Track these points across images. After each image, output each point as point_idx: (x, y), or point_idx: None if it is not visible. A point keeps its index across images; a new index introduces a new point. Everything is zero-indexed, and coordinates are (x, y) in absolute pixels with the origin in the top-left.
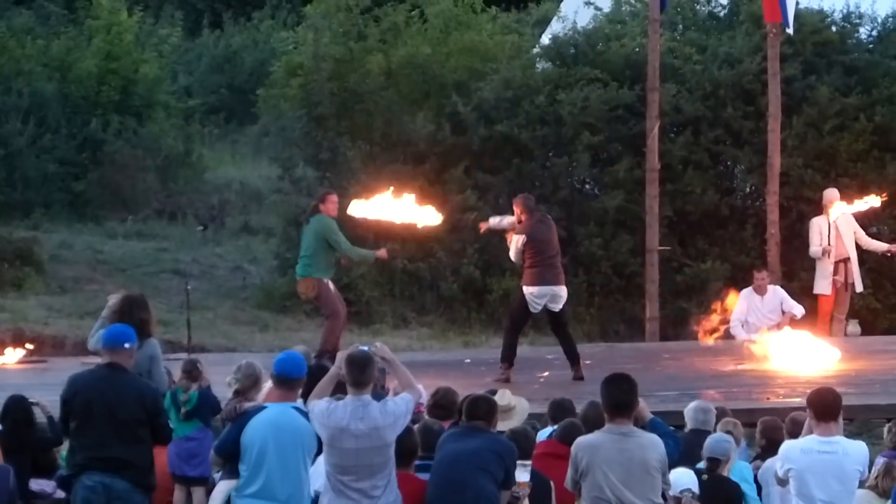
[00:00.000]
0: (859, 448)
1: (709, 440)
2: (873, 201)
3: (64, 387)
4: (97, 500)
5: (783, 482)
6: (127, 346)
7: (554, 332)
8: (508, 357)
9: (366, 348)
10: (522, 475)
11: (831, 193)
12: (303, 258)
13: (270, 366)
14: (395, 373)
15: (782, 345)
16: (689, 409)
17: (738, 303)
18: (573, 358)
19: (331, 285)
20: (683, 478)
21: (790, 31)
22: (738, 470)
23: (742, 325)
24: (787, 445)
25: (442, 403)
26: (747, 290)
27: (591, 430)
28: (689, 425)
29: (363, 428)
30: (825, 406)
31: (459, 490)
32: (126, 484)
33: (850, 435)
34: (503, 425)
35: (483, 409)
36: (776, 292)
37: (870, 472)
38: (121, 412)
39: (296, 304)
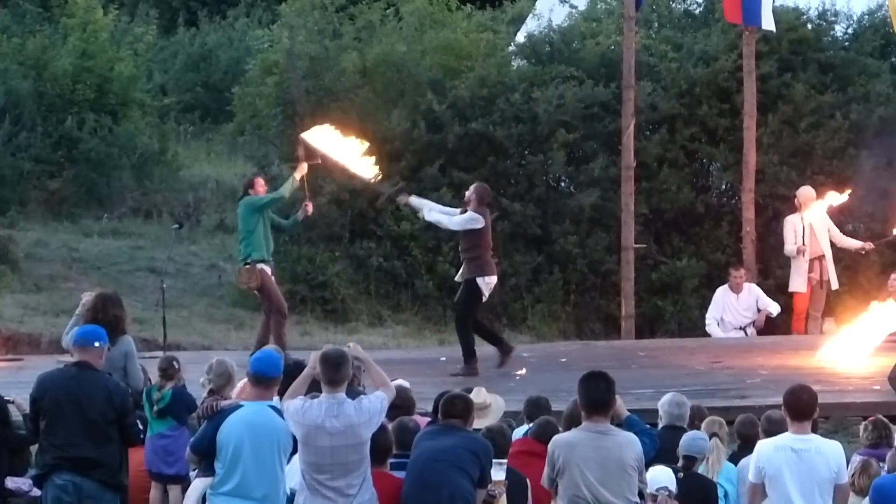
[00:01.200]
0: (833, 447)
1: (684, 438)
2: (840, 197)
3: (34, 386)
4: (68, 500)
5: (755, 490)
6: (97, 344)
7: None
8: (473, 352)
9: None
10: (498, 473)
11: (806, 191)
12: (240, 244)
13: (246, 364)
14: (368, 372)
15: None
16: (663, 403)
17: (714, 301)
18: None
19: (271, 275)
20: (661, 476)
21: (770, 28)
22: (726, 471)
23: (718, 324)
24: (762, 444)
25: (396, 403)
26: (723, 289)
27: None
28: (662, 420)
29: (338, 426)
30: (801, 405)
31: (435, 488)
32: (95, 484)
33: (825, 433)
34: (479, 423)
35: (459, 407)
36: (752, 290)
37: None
38: (90, 411)
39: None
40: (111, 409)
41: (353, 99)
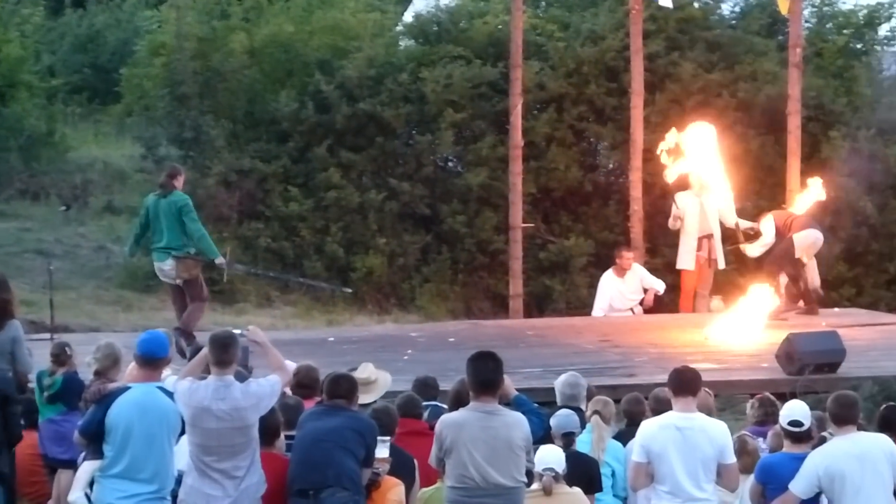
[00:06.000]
0: (717, 426)
1: (555, 419)
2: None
3: None
4: None
5: (640, 469)
6: None
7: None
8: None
9: (238, 331)
10: (382, 451)
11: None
12: (177, 236)
13: (134, 345)
14: (265, 355)
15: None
16: (558, 383)
17: (601, 289)
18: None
19: None
20: (548, 455)
21: (668, 4)
22: (611, 449)
23: (605, 315)
24: (646, 423)
25: (304, 382)
26: (608, 275)
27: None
28: (559, 400)
29: (224, 408)
30: (683, 381)
31: (321, 468)
32: None
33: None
34: (366, 397)
35: (344, 387)
36: (636, 270)
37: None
38: None
39: (159, 284)
40: None
41: (241, 80)
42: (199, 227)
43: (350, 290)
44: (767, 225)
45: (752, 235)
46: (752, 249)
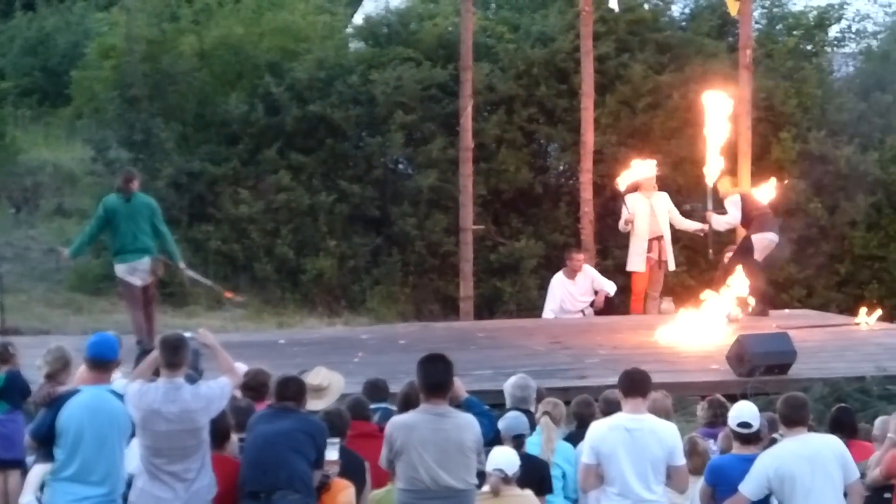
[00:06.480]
0: (667, 427)
1: (504, 422)
2: (648, 168)
3: None
4: None
5: (589, 471)
6: None
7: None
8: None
9: (189, 334)
10: (332, 453)
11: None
12: (150, 237)
13: (84, 348)
14: (215, 357)
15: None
16: (508, 386)
17: (551, 291)
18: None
19: None
20: (499, 457)
21: (615, 7)
22: (562, 451)
23: (556, 317)
24: (596, 424)
25: (252, 385)
26: (558, 277)
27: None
28: (508, 402)
29: (174, 410)
30: (633, 382)
31: (272, 471)
32: None
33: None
34: (319, 403)
35: (292, 389)
36: (586, 272)
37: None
38: None
39: (109, 287)
40: None
41: (191, 82)
42: (168, 230)
43: (242, 300)
44: (734, 203)
45: (702, 237)
46: (719, 223)
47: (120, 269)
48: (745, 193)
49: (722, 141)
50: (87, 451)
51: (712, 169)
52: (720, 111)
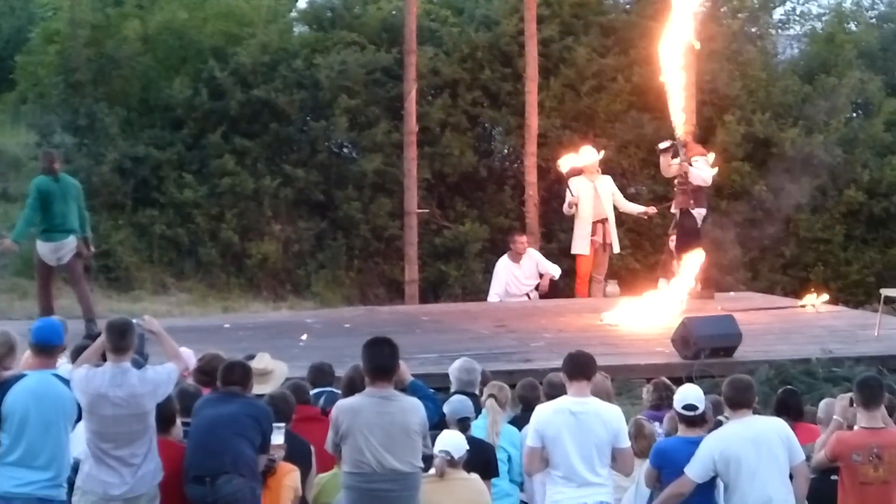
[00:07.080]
0: (611, 410)
1: (449, 406)
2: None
3: None
4: None
5: (534, 454)
6: None
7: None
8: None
9: (134, 321)
10: (277, 437)
11: (590, 154)
12: (76, 217)
13: (29, 333)
14: (161, 343)
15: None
16: (453, 369)
17: (496, 274)
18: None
19: None
20: (447, 440)
21: None
22: (507, 434)
23: (501, 300)
24: (540, 408)
25: (206, 370)
26: (503, 261)
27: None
28: (453, 386)
29: (121, 395)
30: (577, 365)
31: (217, 455)
32: None
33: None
34: (264, 388)
35: (238, 374)
36: (531, 255)
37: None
38: None
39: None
40: None
41: (135, 67)
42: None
43: None
44: (707, 163)
45: (647, 220)
46: (694, 177)
47: (44, 248)
48: (707, 157)
49: (682, 87)
50: (33, 435)
51: (678, 119)
52: (676, 54)
